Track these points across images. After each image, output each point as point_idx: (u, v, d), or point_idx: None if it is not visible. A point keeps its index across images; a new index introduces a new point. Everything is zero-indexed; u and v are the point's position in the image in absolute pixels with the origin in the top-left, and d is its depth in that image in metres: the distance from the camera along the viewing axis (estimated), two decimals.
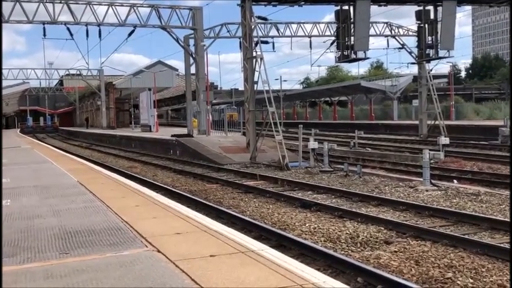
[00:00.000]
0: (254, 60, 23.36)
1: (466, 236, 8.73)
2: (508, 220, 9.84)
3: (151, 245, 5.20)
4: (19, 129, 76.06)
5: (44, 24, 29.88)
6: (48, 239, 5.65)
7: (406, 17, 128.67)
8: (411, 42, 36.45)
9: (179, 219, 6.63)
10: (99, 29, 30.85)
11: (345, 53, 29.44)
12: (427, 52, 32.89)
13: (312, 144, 20.41)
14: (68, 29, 31.15)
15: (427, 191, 13.60)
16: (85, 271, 4.36)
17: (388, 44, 37.93)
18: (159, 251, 4.93)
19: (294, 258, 5.61)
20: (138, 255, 4.84)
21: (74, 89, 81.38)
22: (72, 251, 5.10)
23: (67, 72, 71.13)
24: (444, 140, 22.25)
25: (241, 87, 43.59)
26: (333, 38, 32.07)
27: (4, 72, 57.27)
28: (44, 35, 30.87)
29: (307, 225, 10.20)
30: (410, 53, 35.76)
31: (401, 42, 36.62)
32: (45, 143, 42.49)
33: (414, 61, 35.89)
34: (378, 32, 36.12)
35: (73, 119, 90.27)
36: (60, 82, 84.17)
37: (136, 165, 25.18)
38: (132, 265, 4.50)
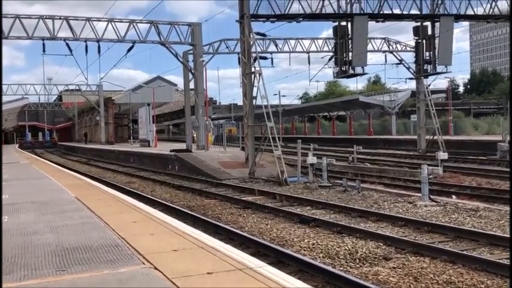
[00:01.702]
0: (253, 75, 23.44)
1: (465, 252, 8.70)
2: (508, 236, 9.81)
3: (149, 262, 5.17)
4: (18, 145, 76.04)
5: (43, 40, 30.08)
6: (45, 256, 5.62)
7: (404, 33, 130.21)
8: (409, 57, 36.65)
9: (176, 235, 6.60)
10: (99, 45, 31.04)
11: (343, 68, 29.59)
12: (425, 67, 33.03)
13: (311, 159, 20.40)
14: (68, 44, 31.30)
15: (425, 206, 13.57)
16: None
17: (386, 59, 38.13)
18: (156, 268, 4.90)
19: (292, 275, 5.58)
20: (135, 272, 4.81)
21: (72, 105, 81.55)
22: (69, 268, 5.07)
23: (66, 88, 71.48)
24: (443, 155, 22.23)
25: (240, 102, 43.67)
26: (331, 54, 32.25)
27: (3, 87, 57.44)
28: (44, 50, 31.09)
29: (305, 241, 10.16)
30: (408, 68, 35.93)
31: (399, 58, 36.83)
32: (44, 158, 42.42)
33: (412, 76, 36.03)
34: (376, 48, 36.36)
35: (72, 135, 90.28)
36: (59, 98, 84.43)
37: (134, 180, 25.15)
38: (129, 282, 4.47)
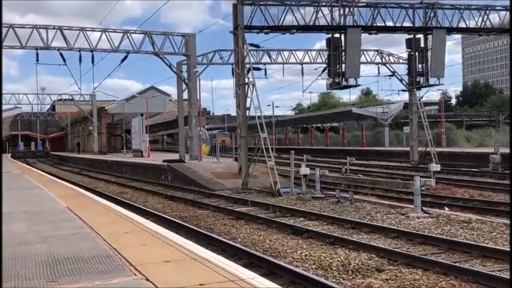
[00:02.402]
0: (246, 86, 23.49)
1: (458, 264, 8.71)
2: (499, 248, 9.84)
3: (140, 273, 5.14)
4: (10, 154, 75.64)
5: (37, 49, 29.99)
6: (36, 267, 5.57)
7: (397, 45, 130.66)
8: (402, 69, 36.84)
9: (169, 246, 6.57)
10: (92, 55, 30.99)
11: (336, 80, 29.66)
12: (417, 79, 33.18)
13: (304, 170, 20.41)
14: (61, 54, 31.25)
15: (418, 218, 13.59)
16: None
17: (378, 71, 38.33)
18: (147, 280, 4.87)
19: (284, 286, 5.57)
20: (127, 283, 4.78)
21: (65, 114, 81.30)
22: (60, 278, 5.03)
23: (59, 97, 71.16)
24: (435, 166, 22.33)
25: (233, 113, 43.68)
26: (325, 65, 32.33)
27: None
28: (37, 60, 31.00)
29: (298, 252, 10.14)
30: (401, 80, 36.10)
31: (392, 70, 37.00)
32: (36, 168, 42.23)
33: (405, 88, 36.19)
34: (369, 60, 36.54)
35: (64, 144, 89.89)
36: (52, 107, 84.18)
37: (127, 190, 25.06)
38: None
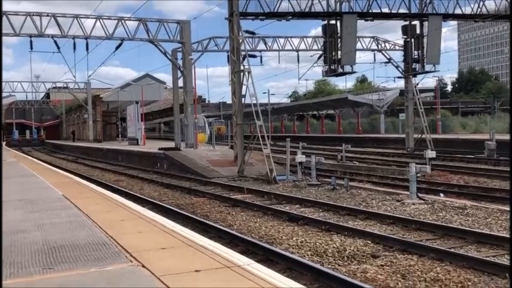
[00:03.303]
0: (242, 73, 23.42)
1: (453, 250, 8.75)
2: (494, 234, 9.90)
3: (136, 260, 5.14)
4: (5, 143, 75.36)
5: (31, 37, 29.80)
6: (32, 254, 5.57)
7: (392, 32, 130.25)
8: (397, 56, 36.94)
9: (165, 233, 6.58)
10: (87, 42, 30.83)
11: (332, 67, 29.64)
12: (413, 66, 33.19)
13: (300, 157, 20.43)
14: (55, 42, 31.13)
15: (413, 204, 13.64)
16: (69, 287, 4.30)
17: (374, 58, 38.23)
18: (143, 266, 4.87)
19: (280, 273, 5.58)
20: (123, 270, 4.78)
21: (60, 102, 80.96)
22: (56, 266, 5.03)
23: (54, 85, 70.79)
24: (431, 153, 22.37)
25: (229, 101, 43.62)
26: (320, 52, 32.29)
27: None
28: (31, 47, 30.82)
29: (294, 238, 10.17)
30: (396, 67, 36.11)
31: (388, 57, 36.97)
32: (31, 156, 42.12)
33: (401, 75, 36.22)
34: (365, 47, 36.44)
35: (59, 132, 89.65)
36: (47, 95, 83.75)
37: (122, 178, 25.04)
38: (117, 280, 4.44)
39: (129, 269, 4.81)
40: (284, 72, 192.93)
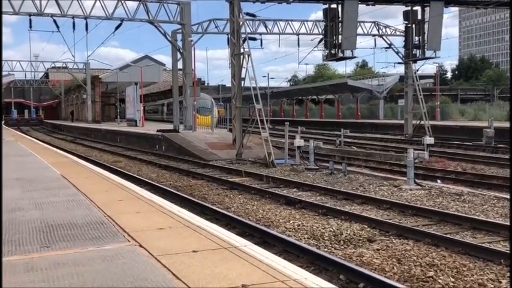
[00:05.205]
0: (242, 56, 23.33)
1: (448, 236, 8.80)
2: (490, 220, 9.95)
3: (134, 239, 5.17)
4: (3, 122, 75.21)
5: (30, 16, 29.52)
6: (30, 232, 5.60)
7: (393, 17, 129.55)
8: (398, 42, 36.67)
9: (162, 214, 6.60)
10: (86, 22, 30.58)
11: (333, 51, 29.53)
12: (413, 52, 33.09)
13: (298, 141, 20.43)
14: (55, 21, 30.83)
15: (410, 190, 13.69)
16: (66, 265, 4.33)
17: (375, 43, 37.97)
18: (141, 246, 4.90)
19: (277, 255, 5.61)
20: (120, 249, 4.81)
21: (59, 82, 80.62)
22: (53, 244, 5.06)
23: (53, 65, 70.39)
24: (429, 139, 22.39)
25: (228, 84, 43.61)
26: (321, 37, 32.14)
27: None
28: (30, 26, 30.60)
29: (291, 222, 10.22)
30: (397, 52, 35.94)
31: (389, 42, 36.77)
32: (30, 135, 42.09)
33: (401, 61, 36.09)
34: (366, 32, 36.19)
35: (58, 112, 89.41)
36: (46, 75, 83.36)
37: (121, 159, 25.06)
38: (114, 259, 4.47)
39: (126, 249, 4.83)
40: (284, 56, 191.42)
